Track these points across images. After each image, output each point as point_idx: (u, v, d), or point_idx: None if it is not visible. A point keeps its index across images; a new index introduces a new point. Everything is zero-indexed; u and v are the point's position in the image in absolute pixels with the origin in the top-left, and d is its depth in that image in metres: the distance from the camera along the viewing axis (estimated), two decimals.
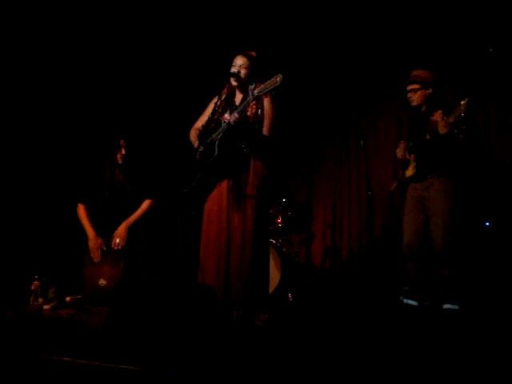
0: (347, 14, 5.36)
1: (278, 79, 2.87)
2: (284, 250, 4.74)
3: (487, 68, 4.65)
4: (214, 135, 3.21)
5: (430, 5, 4.99)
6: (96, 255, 3.89)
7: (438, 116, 3.67)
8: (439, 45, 4.99)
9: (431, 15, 5.02)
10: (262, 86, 2.97)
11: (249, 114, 3.18)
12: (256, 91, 3.01)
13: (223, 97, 3.37)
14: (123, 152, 4.04)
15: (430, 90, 3.80)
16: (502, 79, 4.67)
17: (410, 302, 3.80)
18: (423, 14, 5.05)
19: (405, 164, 3.97)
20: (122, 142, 4.05)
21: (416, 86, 3.81)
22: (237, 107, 3.29)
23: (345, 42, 5.53)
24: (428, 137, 3.71)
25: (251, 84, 3.26)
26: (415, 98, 3.82)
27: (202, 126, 3.30)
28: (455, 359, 2.45)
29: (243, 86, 3.32)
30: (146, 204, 4.09)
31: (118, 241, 3.91)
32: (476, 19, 4.82)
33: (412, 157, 3.86)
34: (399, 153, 3.95)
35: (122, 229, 3.95)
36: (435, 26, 5.03)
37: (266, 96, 3.08)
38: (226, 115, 3.29)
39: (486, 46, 4.58)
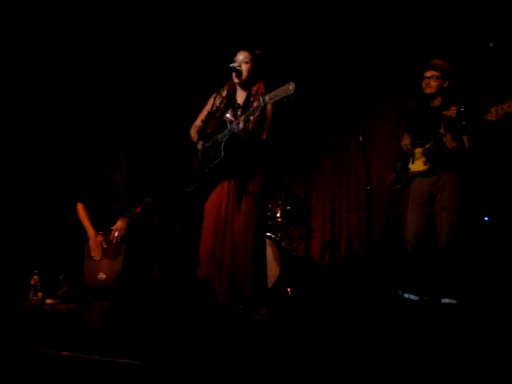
0: (350, 14, 5.36)
1: (291, 87, 2.76)
2: (283, 244, 4.75)
3: (488, 62, 4.63)
4: (219, 136, 3.17)
5: (429, 2, 4.99)
6: (96, 253, 3.90)
7: (451, 112, 3.66)
8: (439, 40, 4.97)
9: (431, 12, 5.01)
10: (274, 92, 2.88)
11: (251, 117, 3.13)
12: (267, 98, 2.93)
13: (224, 93, 3.33)
14: (123, 155, 4.08)
15: (448, 83, 3.75)
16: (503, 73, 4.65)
17: (410, 296, 3.80)
18: (423, 11, 5.04)
19: (405, 157, 3.94)
20: (122, 145, 4.08)
21: (436, 73, 3.74)
22: (239, 105, 3.25)
23: (346, 40, 5.52)
24: (443, 131, 3.68)
25: (253, 82, 3.24)
26: (433, 85, 3.75)
27: (202, 122, 3.29)
28: (453, 353, 2.46)
29: (245, 82, 3.27)
30: (145, 202, 4.11)
31: (116, 234, 3.91)
32: (476, 14, 4.80)
33: (419, 150, 3.82)
34: (407, 145, 3.84)
35: (121, 222, 3.95)
36: (435, 23, 5.02)
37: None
38: (228, 114, 3.26)
39: (487, 40, 4.56)
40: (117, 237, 3.91)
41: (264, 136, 3.18)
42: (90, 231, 3.96)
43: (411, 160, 3.84)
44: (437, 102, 3.81)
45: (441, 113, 3.73)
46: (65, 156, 4.86)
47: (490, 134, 4.33)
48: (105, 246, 3.92)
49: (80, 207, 4.05)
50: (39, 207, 4.66)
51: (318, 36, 5.57)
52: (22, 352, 2.15)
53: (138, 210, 4.07)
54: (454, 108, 3.70)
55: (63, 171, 4.75)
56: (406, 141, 3.86)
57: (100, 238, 3.93)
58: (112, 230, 3.94)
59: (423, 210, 3.75)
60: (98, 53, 5.20)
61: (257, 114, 3.06)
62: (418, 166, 3.79)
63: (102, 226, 3.98)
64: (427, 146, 3.72)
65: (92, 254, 3.90)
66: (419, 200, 3.77)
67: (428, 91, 3.79)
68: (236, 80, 3.25)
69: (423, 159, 3.75)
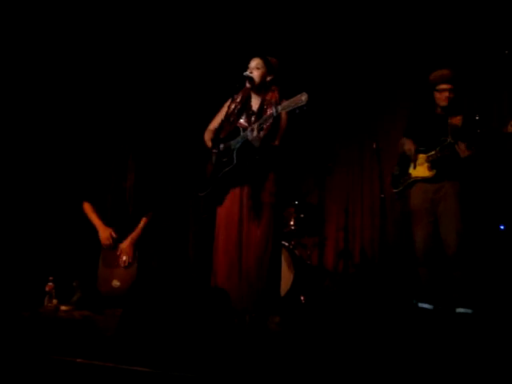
0: (362, 22, 5.38)
1: (304, 98, 2.79)
2: (296, 252, 4.74)
3: (503, 70, 4.61)
4: (233, 142, 3.20)
5: (443, 9, 4.98)
6: (107, 243, 3.90)
7: (457, 121, 3.67)
8: (453, 48, 4.96)
9: (444, 19, 5.01)
10: (286, 103, 2.93)
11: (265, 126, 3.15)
12: (280, 108, 2.97)
13: (239, 99, 3.37)
14: (132, 161, 4.09)
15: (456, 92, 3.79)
16: None
17: (425, 305, 3.78)
18: (436, 19, 5.04)
19: (404, 161, 3.93)
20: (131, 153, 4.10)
21: (451, 86, 3.77)
22: (253, 112, 3.28)
23: (360, 47, 5.53)
24: (451, 139, 3.68)
25: (267, 88, 3.27)
26: (451, 98, 3.77)
27: (216, 129, 3.32)
28: (466, 363, 2.43)
29: (258, 88, 3.32)
30: (148, 216, 4.06)
31: (124, 258, 3.90)
32: (490, 21, 4.78)
33: (422, 156, 3.82)
34: (411, 150, 3.84)
35: (127, 245, 3.93)
36: (449, 31, 5.01)
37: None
38: (242, 120, 3.29)
39: (502, 47, 4.54)
40: (125, 261, 3.90)
41: (276, 143, 3.21)
42: (99, 224, 3.96)
43: (412, 165, 3.84)
44: (442, 111, 3.82)
45: (446, 121, 3.74)
46: (77, 163, 4.90)
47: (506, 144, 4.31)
48: (114, 236, 3.93)
49: (86, 205, 4.05)
50: (54, 215, 4.70)
51: (331, 44, 5.59)
52: (37, 358, 2.17)
53: (142, 226, 4.02)
54: (459, 117, 3.72)
55: (78, 179, 4.78)
56: (409, 145, 3.86)
57: (110, 230, 3.94)
58: (120, 252, 3.94)
59: (427, 217, 3.75)
60: (110, 60, 5.25)
61: (270, 122, 3.08)
62: (421, 171, 3.80)
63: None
64: (432, 152, 3.74)
65: (104, 246, 3.90)
66: (421, 206, 3.78)
67: (445, 103, 3.79)
68: (248, 86, 3.30)
69: (427, 165, 3.76)
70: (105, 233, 3.93)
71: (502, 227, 4.45)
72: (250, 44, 5.15)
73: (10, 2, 4.63)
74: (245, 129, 3.17)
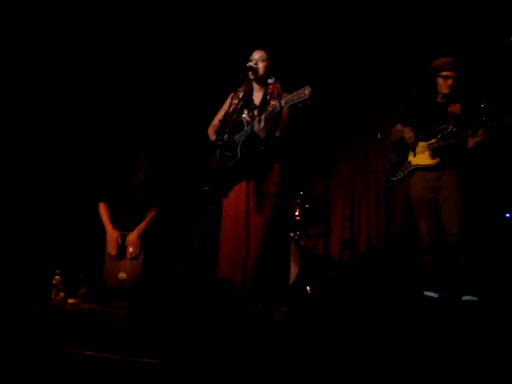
0: (363, 13, 5.35)
1: (307, 92, 2.79)
2: (302, 242, 4.75)
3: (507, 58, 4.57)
4: (237, 137, 3.20)
5: None
6: (112, 248, 3.93)
7: (456, 109, 3.65)
8: (456, 36, 4.93)
9: (447, 7, 4.97)
10: (289, 96, 2.92)
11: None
12: (283, 102, 2.97)
13: (241, 94, 3.36)
14: (144, 156, 4.10)
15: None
16: None
17: (431, 294, 3.78)
18: (439, 6, 5.00)
19: (400, 149, 3.92)
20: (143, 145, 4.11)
21: (455, 74, 3.74)
22: (256, 106, 3.28)
23: (361, 37, 5.51)
24: (453, 127, 3.67)
25: (270, 78, 3.27)
26: (455, 85, 3.74)
27: (220, 121, 3.31)
28: (472, 351, 2.43)
29: (261, 80, 3.31)
30: (155, 210, 4.08)
31: (131, 250, 3.92)
32: (493, 8, 4.75)
33: (422, 144, 3.80)
34: (412, 138, 3.80)
35: (134, 237, 3.95)
36: (452, 18, 4.98)
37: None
38: (245, 115, 3.28)
39: (506, 35, 4.50)
40: (131, 252, 3.92)
41: (277, 134, 3.21)
42: (108, 227, 3.98)
43: (411, 153, 3.83)
44: (443, 98, 3.80)
45: (446, 108, 3.72)
46: (86, 157, 4.92)
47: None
48: (120, 242, 3.95)
49: (102, 206, 4.09)
50: (60, 208, 4.73)
51: (336, 34, 5.56)
52: (45, 351, 2.19)
53: (149, 219, 4.06)
54: (457, 105, 3.70)
55: (84, 172, 4.81)
56: (410, 133, 3.83)
57: (116, 234, 3.96)
58: (126, 244, 3.96)
59: (429, 205, 3.74)
60: (121, 59, 5.27)
61: (273, 114, 3.09)
62: (421, 159, 3.77)
63: (121, 227, 4.01)
64: (433, 140, 3.72)
65: (109, 249, 3.93)
66: (423, 195, 3.76)
67: (447, 91, 3.76)
68: (252, 77, 3.28)
69: (428, 153, 3.73)
70: (112, 237, 3.95)
71: (507, 215, 4.44)
72: (252, 37, 5.14)
73: (20, 3, 4.65)
74: (248, 123, 3.17)
